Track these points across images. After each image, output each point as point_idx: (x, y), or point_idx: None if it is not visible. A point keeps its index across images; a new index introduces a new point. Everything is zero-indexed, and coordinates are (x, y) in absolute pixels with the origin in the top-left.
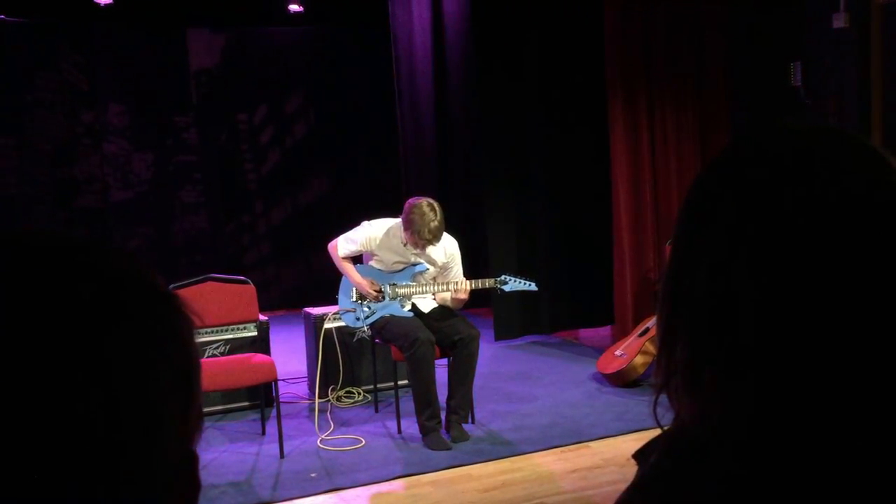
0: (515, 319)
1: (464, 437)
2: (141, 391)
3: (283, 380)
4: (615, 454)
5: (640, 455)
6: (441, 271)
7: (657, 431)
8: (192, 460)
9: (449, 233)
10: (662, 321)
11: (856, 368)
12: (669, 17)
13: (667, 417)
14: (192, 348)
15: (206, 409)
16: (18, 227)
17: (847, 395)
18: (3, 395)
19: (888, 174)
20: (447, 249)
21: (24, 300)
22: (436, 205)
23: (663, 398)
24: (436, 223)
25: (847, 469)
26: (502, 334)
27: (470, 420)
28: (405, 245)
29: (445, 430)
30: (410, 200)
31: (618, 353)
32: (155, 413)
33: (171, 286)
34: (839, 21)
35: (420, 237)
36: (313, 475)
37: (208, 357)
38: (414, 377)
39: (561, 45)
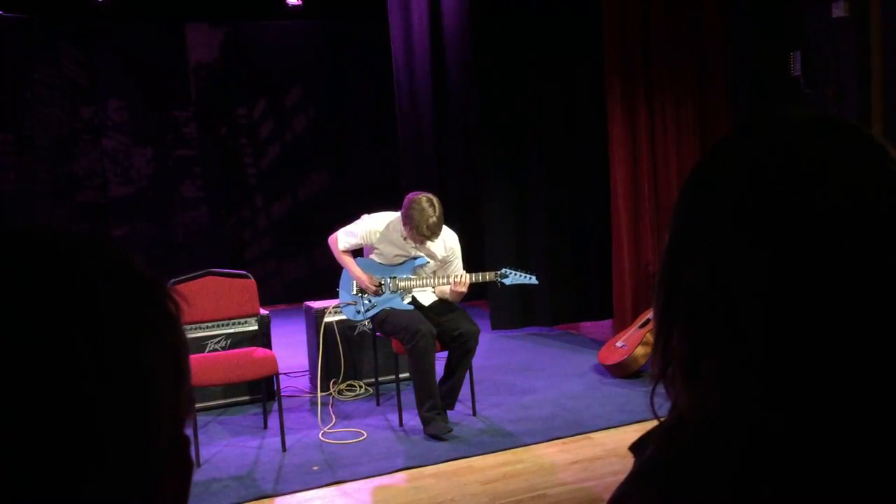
0: (514, 311)
1: (446, 429)
2: (133, 367)
3: (284, 373)
4: (617, 445)
5: (636, 447)
6: (441, 265)
7: (656, 423)
8: (184, 442)
9: (448, 225)
10: (659, 310)
11: (857, 359)
12: (668, 6)
13: (664, 408)
14: (181, 331)
15: (207, 404)
16: (14, 223)
17: (847, 386)
18: (3, 380)
19: (886, 160)
20: (447, 243)
21: (20, 282)
22: (435, 200)
23: (661, 389)
24: (434, 219)
25: (846, 460)
26: (499, 324)
27: (471, 412)
28: (405, 239)
29: None
30: (409, 195)
31: (618, 344)
32: (147, 389)
33: (172, 281)
34: (838, 10)
35: (419, 232)
36: (315, 468)
37: (209, 351)
38: (415, 369)
39: (559, 36)
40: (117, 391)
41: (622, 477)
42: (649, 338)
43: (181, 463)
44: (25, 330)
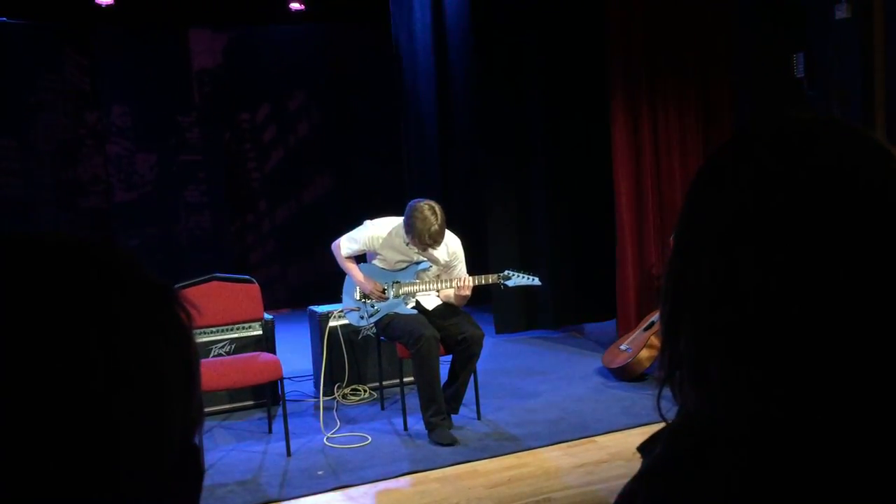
0: (518, 314)
1: (450, 438)
2: (146, 372)
3: (288, 378)
4: (622, 449)
5: (644, 448)
6: (444, 269)
7: (663, 425)
8: (195, 449)
9: (451, 230)
10: (666, 313)
11: (862, 359)
12: (671, 9)
13: (671, 411)
14: (192, 339)
15: (212, 409)
16: (26, 230)
17: (853, 387)
18: (15, 378)
19: (888, 163)
20: (450, 247)
21: (34, 287)
22: (437, 207)
23: (667, 392)
24: (436, 227)
25: (850, 460)
26: (503, 328)
27: (476, 416)
28: (408, 244)
29: None
30: (412, 203)
31: (623, 347)
32: (160, 394)
33: (176, 286)
34: (841, 12)
35: (421, 241)
36: (320, 473)
37: (214, 356)
38: (419, 373)
39: (562, 41)
40: (129, 395)
41: (627, 480)
42: (654, 341)
43: (192, 470)
44: (39, 333)
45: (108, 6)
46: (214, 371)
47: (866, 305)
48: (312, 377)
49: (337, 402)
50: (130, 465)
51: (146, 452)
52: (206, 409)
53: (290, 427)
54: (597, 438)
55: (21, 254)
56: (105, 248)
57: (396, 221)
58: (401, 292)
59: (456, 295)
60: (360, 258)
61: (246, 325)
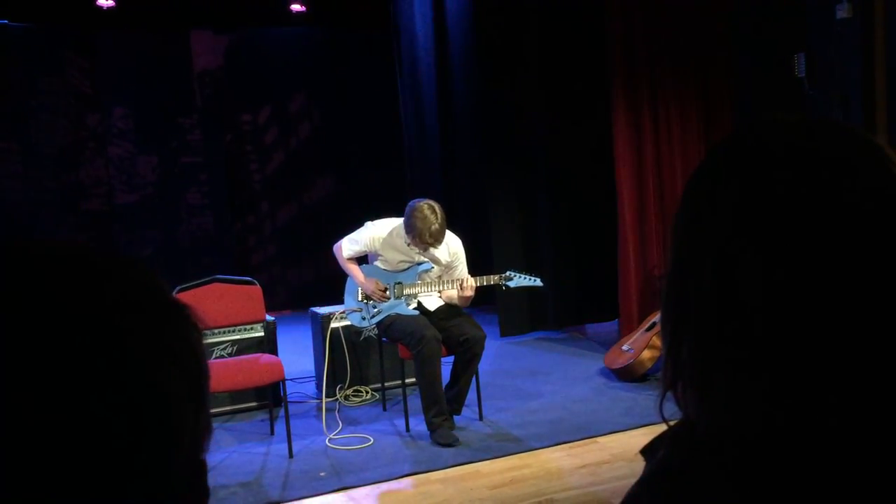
0: (521, 316)
1: (452, 437)
2: (156, 395)
3: (290, 379)
4: (624, 449)
5: (647, 451)
6: (446, 270)
7: (665, 426)
8: (202, 468)
9: (454, 231)
10: (668, 321)
11: (868, 362)
12: (672, 10)
13: (673, 412)
14: (203, 357)
15: (214, 410)
16: (28, 233)
17: (860, 391)
18: (27, 398)
19: (885, 163)
20: (451, 248)
21: (48, 305)
22: (437, 207)
23: (669, 394)
24: (436, 226)
25: (856, 464)
26: (508, 331)
27: (478, 416)
28: (409, 244)
29: None
30: (411, 203)
31: (624, 348)
32: (169, 417)
33: (178, 288)
34: (842, 11)
35: (421, 240)
36: (322, 474)
37: (216, 358)
38: (421, 375)
39: (563, 42)
40: (139, 416)
41: (629, 481)
42: (655, 341)
43: (198, 488)
44: (44, 343)
45: (109, 8)
46: (216, 373)
47: (869, 306)
48: (314, 378)
49: (339, 403)
50: (132, 475)
51: (150, 464)
52: None
53: (292, 428)
54: (599, 439)
55: (31, 265)
56: (123, 263)
57: (397, 222)
58: (403, 293)
59: (459, 296)
60: (362, 259)
61: (247, 327)
